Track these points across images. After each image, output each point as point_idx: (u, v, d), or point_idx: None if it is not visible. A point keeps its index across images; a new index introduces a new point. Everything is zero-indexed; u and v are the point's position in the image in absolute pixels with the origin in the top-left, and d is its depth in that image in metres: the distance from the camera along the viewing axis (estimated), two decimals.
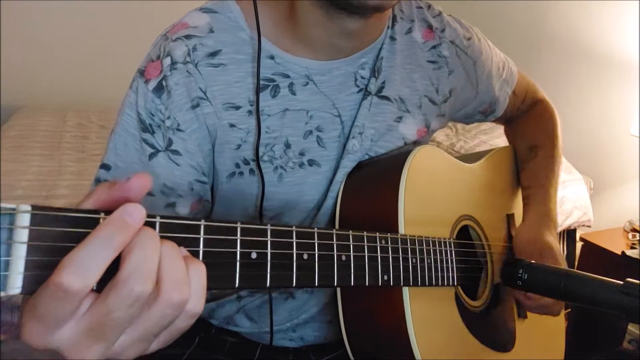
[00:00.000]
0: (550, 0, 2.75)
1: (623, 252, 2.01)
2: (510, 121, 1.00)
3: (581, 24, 2.62)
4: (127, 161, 0.64)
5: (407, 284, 0.60)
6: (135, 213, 0.35)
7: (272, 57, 0.67)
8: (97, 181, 0.65)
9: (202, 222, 0.40)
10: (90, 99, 2.86)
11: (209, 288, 0.41)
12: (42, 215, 0.32)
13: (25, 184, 1.86)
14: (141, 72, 0.64)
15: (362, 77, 0.72)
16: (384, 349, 0.64)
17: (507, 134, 1.02)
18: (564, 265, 0.78)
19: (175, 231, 0.39)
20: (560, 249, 0.81)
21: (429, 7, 0.81)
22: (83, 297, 0.33)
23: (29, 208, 0.32)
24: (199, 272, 0.38)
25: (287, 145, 0.69)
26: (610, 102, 2.51)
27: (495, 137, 2.56)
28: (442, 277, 0.66)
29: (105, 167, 0.65)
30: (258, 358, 0.79)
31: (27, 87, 2.80)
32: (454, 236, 0.72)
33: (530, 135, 0.96)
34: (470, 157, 0.86)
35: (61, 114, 2.64)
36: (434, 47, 0.79)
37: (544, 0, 2.78)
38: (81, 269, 0.32)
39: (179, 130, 0.63)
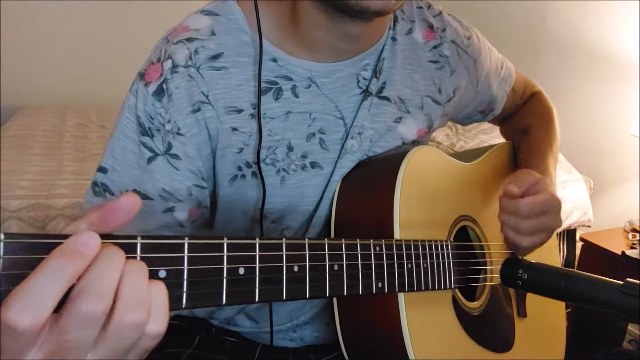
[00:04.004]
0: (550, 0, 2.75)
1: (623, 252, 2.00)
2: (506, 119, 1.00)
3: (581, 24, 2.62)
4: (125, 165, 0.64)
5: (402, 289, 0.60)
6: (90, 242, 0.33)
7: (274, 60, 0.67)
8: (94, 184, 0.65)
9: (186, 240, 0.39)
10: (90, 99, 2.87)
11: (195, 306, 0.39)
12: (14, 244, 0.31)
13: (25, 184, 1.86)
14: (141, 75, 0.64)
15: (364, 79, 0.72)
16: (380, 352, 0.64)
17: (503, 132, 1.01)
18: (554, 192, 0.73)
19: (159, 251, 0.38)
20: (553, 182, 0.76)
21: (429, 6, 0.81)
22: (37, 331, 0.31)
23: (1, 237, 0.30)
24: (159, 292, 0.36)
25: (290, 148, 0.68)
26: (610, 102, 2.50)
27: (496, 136, 2.55)
28: (439, 280, 0.65)
29: (102, 170, 0.64)
30: (258, 358, 0.79)
31: (27, 87, 2.81)
32: (452, 237, 0.72)
33: (523, 120, 0.95)
34: (468, 155, 0.86)
35: (61, 114, 2.64)
36: (435, 47, 0.79)
37: (544, 0, 2.78)
38: (30, 304, 0.30)
39: (179, 134, 0.63)
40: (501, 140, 1.03)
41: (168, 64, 0.63)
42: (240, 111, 0.65)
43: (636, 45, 2.35)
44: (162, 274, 0.38)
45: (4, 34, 2.66)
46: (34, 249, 0.32)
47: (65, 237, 0.33)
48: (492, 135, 2.61)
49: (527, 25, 2.91)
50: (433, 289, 0.64)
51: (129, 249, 0.36)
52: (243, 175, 0.68)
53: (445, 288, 0.67)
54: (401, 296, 0.60)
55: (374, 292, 0.55)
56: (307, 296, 0.48)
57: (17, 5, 2.70)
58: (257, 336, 0.80)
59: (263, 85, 0.65)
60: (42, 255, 0.32)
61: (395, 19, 0.76)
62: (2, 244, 0.30)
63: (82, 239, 0.33)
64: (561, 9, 2.71)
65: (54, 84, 2.87)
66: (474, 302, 0.74)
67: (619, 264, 2.00)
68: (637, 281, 0.62)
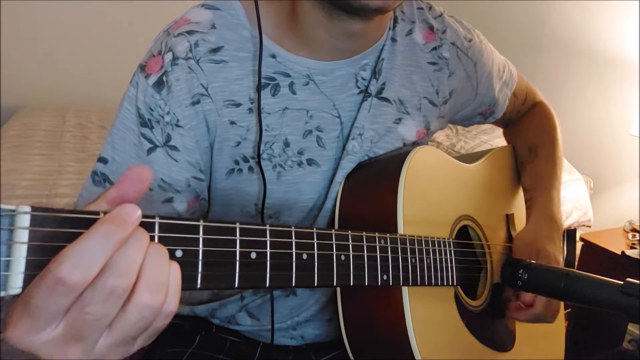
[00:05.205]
0: (550, 0, 2.76)
1: (623, 252, 2.01)
2: (510, 123, 1.00)
3: (581, 24, 2.62)
4: (124, 155, 0.64)
5: (406, 283, 0.60)
6: (132, 212, 0.35)
7: (273, 56, 0.67)
8: (94, 174, 0.65)
9: (201, 223, 0.41)
10: (90, 99, 2.86)
11: (208, 287, 0.41)
12: (41, 216, 0.33)
13: (26, 184, 1.86)
14: (142, 67, 0.64)
15: (363, 79, 0.72)
16: (384, 348, 0.64)
17: (506, 136, 1.02)
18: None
19: (175, 231, 0.39)
20: (558, 256, 0.80)
21: (430, 8, 0.81)
22: (83, 290, 0.33)
23: (28, 209, 0.32)
24: (175, 272, 0.38)
25: (286, 144, 0.69)
26: (610, 102, 2.51)
27: (496, 137, 2.56)
28: (442, 277, 0.66)
29: (102, 160, 0.65)
30: (258, 357, 0.79)
31: (27, 87, 2.81)
32: (454, 236, 0.72)
33: (530, 136, 0.96)
34: (469, 157, 0.87)
35: (61, 114, 2.64)
36: (434, 48, 0.79)
37: (544, 0, 2.78)
38: (82, 261, 0.32)
39: (177, 126, 0.63)
40: (501, 140, 1.03)
41: (169, 57, 0.63)
42: (238, 105, 0.66)
43: (636, 45, 2.35)
44: (179, 253, 0.39)
45: (4, 34, 2.66)
46: (61, 222, 0.34)
47: (90, 213, 0.35)
48: (492, 136, 2.61)
49: (527, 25, 2.91)
50: (436, 284, 0.65)
51: (148, 229, 0.37)
52: (240, 170, 0.68)
53: (448, 285, 0.67)
54: (405, 291, 0.61)
55: (379, 284, 0.57)
56: (316, 284, 0.49)
57: (17, 5, 2.70)
58: (257, 335, 0.80)
59: (261, 80, 0.66)
60: (69, 230, 0.34)
61: (395, 20, 0.76)
62: (29, 216, 0.32)
63: (125, 209, 0.35)
64: (561, 9, 2.71)
65: (54, 84, 2.87)
66: (475, 301, 0.75)
67: (619, 264, 2.00)
68: (637, 281, 0.62)
